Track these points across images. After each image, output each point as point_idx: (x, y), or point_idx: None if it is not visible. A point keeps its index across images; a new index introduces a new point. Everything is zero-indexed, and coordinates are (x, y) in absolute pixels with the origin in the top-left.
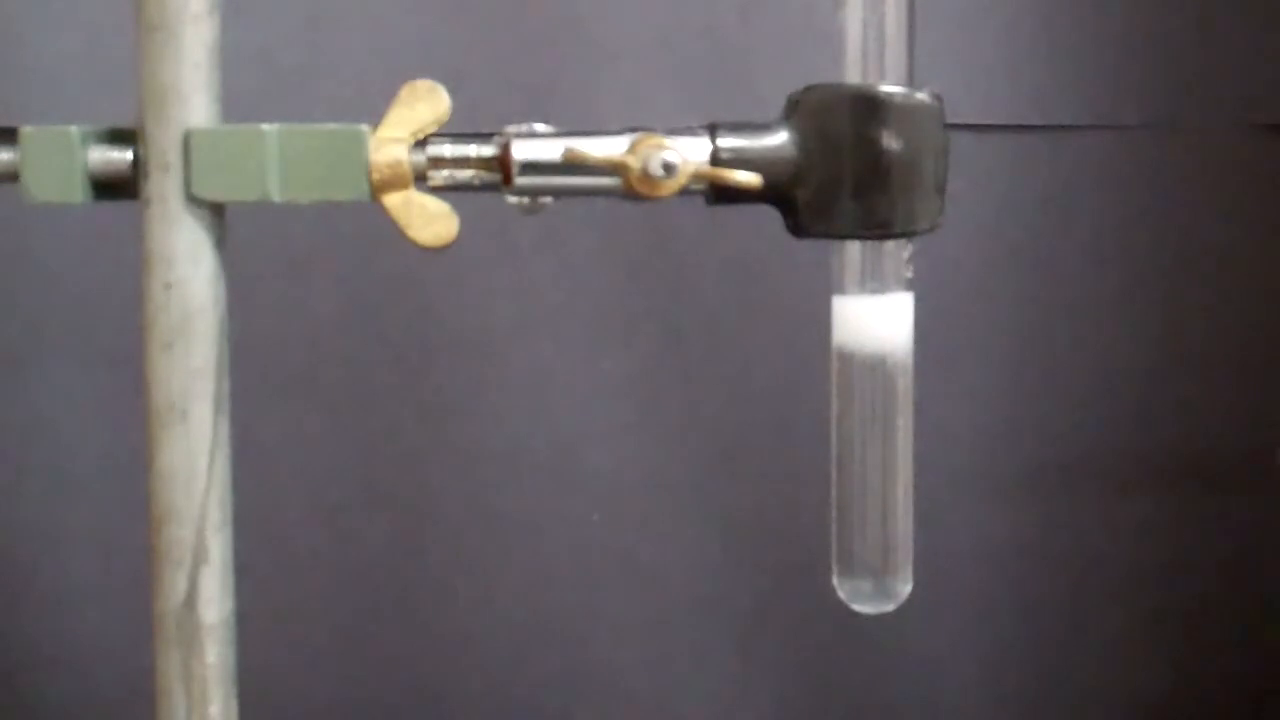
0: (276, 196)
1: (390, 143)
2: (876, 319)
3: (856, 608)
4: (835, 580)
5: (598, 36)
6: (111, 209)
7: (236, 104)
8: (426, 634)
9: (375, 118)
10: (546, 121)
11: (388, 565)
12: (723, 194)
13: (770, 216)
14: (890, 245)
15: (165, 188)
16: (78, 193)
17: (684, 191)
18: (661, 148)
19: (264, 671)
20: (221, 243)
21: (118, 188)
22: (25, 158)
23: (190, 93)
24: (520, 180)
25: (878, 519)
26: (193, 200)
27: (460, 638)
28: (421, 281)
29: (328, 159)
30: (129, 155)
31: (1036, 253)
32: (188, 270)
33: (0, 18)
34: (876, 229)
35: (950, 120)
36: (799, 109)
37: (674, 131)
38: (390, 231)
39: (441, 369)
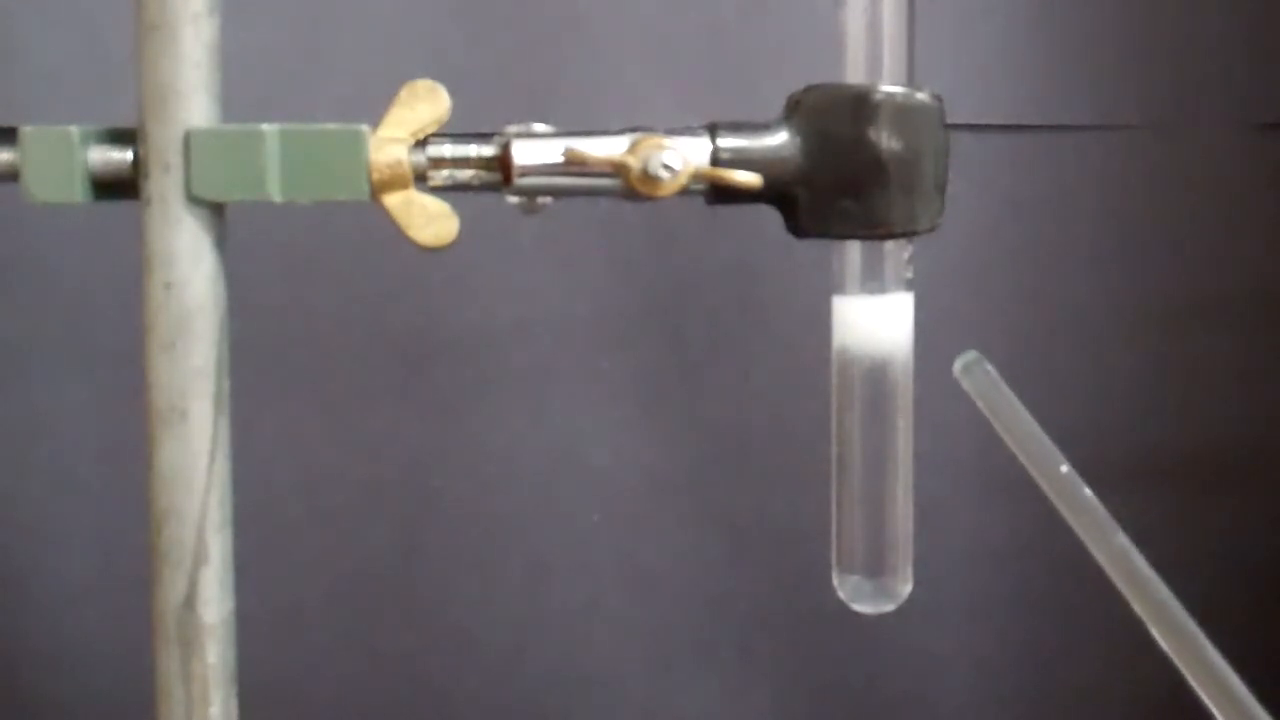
0: (276, 196)
1: (390, 143)
2: (876, 319)
3: (856, 608)
4: (835, 580)
5: (598, 36)
6: (111, 209)
7: (236, 104)
8: (427, 633)
9: (375, 118)
10: (546, 121)
11: (388, 565)
12: (723, 194)
13: (770, 216)
14: (890, 245)
15: (165, 188)
16: (78, 193)
17: (684, 191)
18: (661, 148)
19: (264, 671)
20: (221, 243)
21: (118, 188)
22: (25, 158)
23: (190, 92)
24: (520, 180)
25: (878, 519)
26: (193, 200)
27: (460, 638)
28: (421, 281)
29: (328, 159)
30: (129, 155)
31: (1036, 253)
32: (188, 270)
33: (0, 18)
34: (876, 229)
35: (950, 120)
36: (799, 109)
37: (674, 131)
38: (390, 231)
39: (441, 369)
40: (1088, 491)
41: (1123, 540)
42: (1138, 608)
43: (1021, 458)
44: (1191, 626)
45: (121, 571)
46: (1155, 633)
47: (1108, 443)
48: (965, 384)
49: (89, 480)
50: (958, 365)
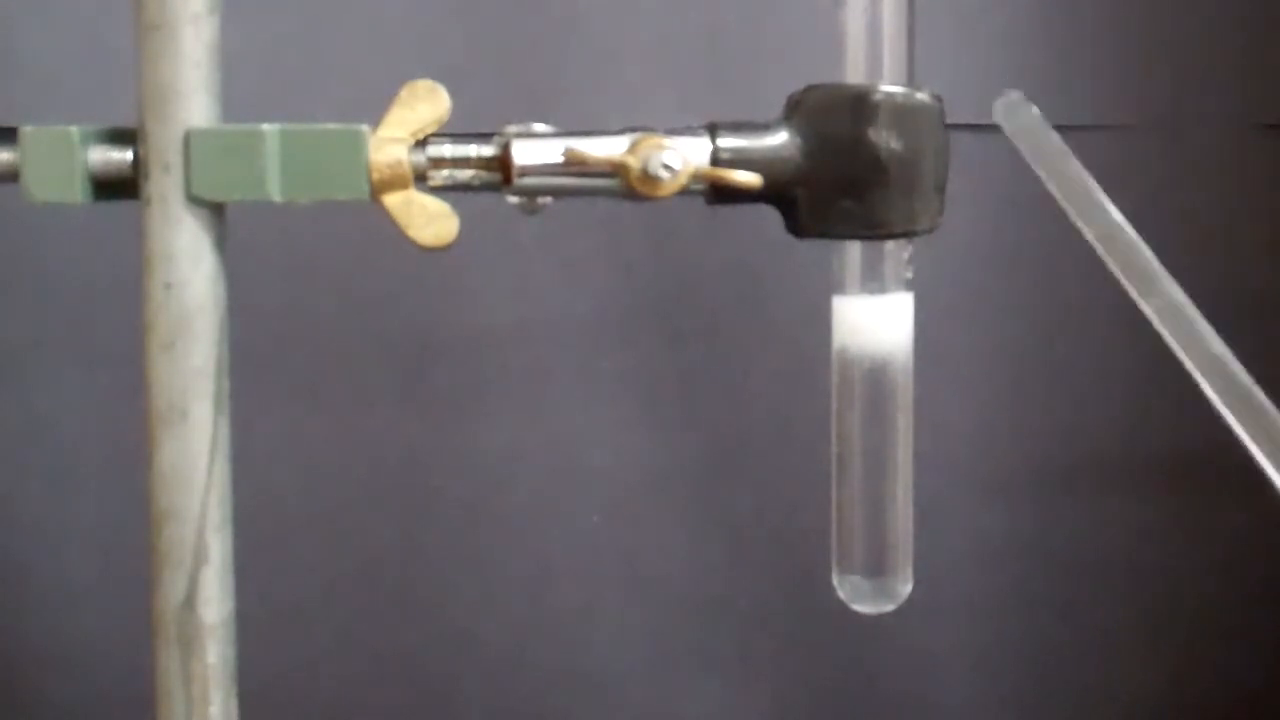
0: (276, 196)
1: (390, 143)
2: (876, 319)
3: (856, 608)
4: (835, 580)
5: (598, 36)
6: (111, 209)
7: (236, 104)
8: (427, 634)
9: (375, 118)
10: (546, 121)
11: (388, 565)
12: (723, 194)
13: (770, 216)
14: (890, 245)
15: (165, 188)
16: (78, 193)
17: (684, 191)
18: (661, 148)
19: (264, 671)
20: (221, 243)
21: (118, 188)
22: (25, 158)
23: (190, 92)
24: (520, 180)
25: (878, 519)
26: (193, 200)
27: (460, 638)
28: (421, 282)
29: (328, 159)
30: (129, 155)
31: (1036, 253)
32: (188, 270)
33: (0, 18)
34: (876, 229)
35: (950, 120)
36: (799, 109)
37: (674, 131)
38: (390, 231)
39: (441, 369)
40: (1136, 237)
41: (1173, 291)
42: (1190, 364)
43: (1064, 204)
44: (1251, 386)
45: (121, 571)
46: (1208, 388)
47: (1108, 443)
48: (1007, 127)
49: (89, 480)
50: (999, 106)
